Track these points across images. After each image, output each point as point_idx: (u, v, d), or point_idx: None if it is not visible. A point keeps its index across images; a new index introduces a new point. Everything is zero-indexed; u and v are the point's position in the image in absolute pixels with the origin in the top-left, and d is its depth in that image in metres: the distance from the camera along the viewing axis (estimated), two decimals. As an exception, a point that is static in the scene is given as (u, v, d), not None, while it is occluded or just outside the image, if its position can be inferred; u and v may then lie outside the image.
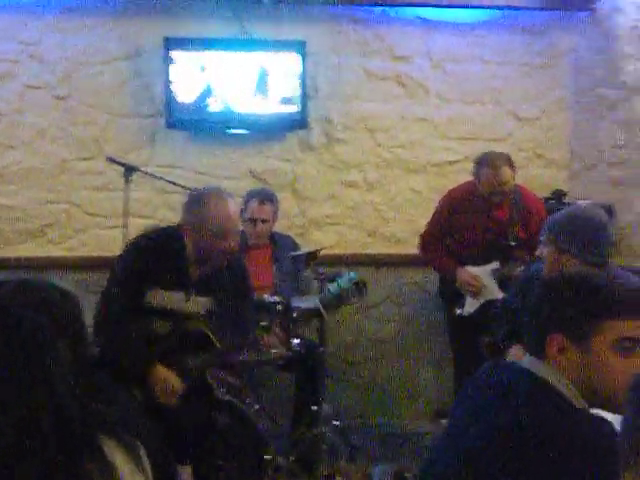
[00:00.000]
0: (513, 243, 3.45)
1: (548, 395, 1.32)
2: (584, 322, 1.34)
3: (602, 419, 1.27)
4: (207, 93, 3.91)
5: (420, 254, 3.81)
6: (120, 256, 2.75)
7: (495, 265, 3.47)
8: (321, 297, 2.77)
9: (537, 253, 2.50)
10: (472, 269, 3.52)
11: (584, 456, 1.19)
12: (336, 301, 2.67)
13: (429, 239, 3.72)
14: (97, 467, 0.95)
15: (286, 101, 3.96)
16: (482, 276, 3.48)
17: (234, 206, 2.67)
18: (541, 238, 2.46)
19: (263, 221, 3.55)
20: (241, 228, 2.69)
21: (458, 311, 3.57)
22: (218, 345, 2.63)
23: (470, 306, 3.52)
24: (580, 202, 3.74)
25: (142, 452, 1.03)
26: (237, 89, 3.92)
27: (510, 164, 3.40)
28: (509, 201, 3.48)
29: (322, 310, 2.66)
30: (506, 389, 1.35)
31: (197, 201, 2.63)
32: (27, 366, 0.96)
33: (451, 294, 3.64)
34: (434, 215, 3.72)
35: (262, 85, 3.94)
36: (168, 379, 2.55)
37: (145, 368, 2.54)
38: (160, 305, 2.62)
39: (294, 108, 3.96)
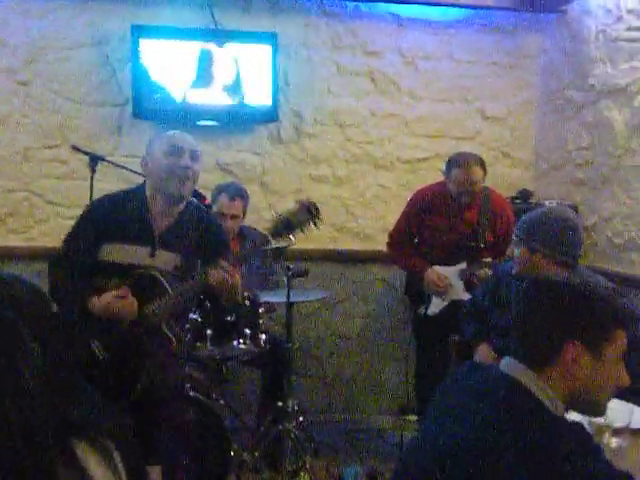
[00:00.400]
0: (482, 245, 3.47)
1: (529, 404, 1.34)
2: (601, 331, 1.39)
3: (582, 426, 1.31)
4: (175, 83, 3.84)
5: (388, 252, 3.82)
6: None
7: (463, 266, 3.49)
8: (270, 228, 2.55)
9: (507, 252, 2.52)
10: (440, 269, 3.53)
11: (561, 462, 1.20)
12: (285, 226, 2.48)
13: (397, 238, 3.72)
14: (69, 471, 0.92)
15: (256, 93, 3.92)
16: (449, 276, 3.50)
17: (180, 132, 2.66)
18: (513, 238, 2.48)
19: (232, 217, 3.50)
20: (191, 148, 2.57)
21: (423, 310, 3.58)
22: (170, 290, 2.51)
23: (435, 306, 3.54)
24: (548, 202, 3.79)
25: (115, 454, 1.00)
26: (206, 80, 3.87)
27: (481, 165, 3.43)
28: (478, 203, 3.50)
29: (271, 239, 2.49)
30: (488, 396, 1.35)
31: (153, 138, 2.67)
32: None
33: (417, 293, 3.65)
34: (403, 214, 3.73)
35: (232, 77, 3.89)
36: (106, 297, 2.45)
37: (86, 301, 2.45)
38: (121, 260, 2.54)
39: (264, 101, 3.93)
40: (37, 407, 0.94)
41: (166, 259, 2.59)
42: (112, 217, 2.55)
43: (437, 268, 3.54)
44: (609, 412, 1.68)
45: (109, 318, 2.45)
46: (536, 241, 2.35)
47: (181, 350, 2.71)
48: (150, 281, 2.52)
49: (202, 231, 2.67)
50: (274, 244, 2.55)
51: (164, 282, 2.51)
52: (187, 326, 3.02)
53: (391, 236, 3.77)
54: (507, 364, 1.44)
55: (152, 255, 2.57)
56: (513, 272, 2.45)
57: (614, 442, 1.69)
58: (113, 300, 2.44)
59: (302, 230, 2.50)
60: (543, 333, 1.42)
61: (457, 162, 3.43)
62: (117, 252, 2.55)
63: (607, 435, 1.69)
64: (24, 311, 1.06)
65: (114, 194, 2.67)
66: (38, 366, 1.00)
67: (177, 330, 2.60)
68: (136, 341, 2.49)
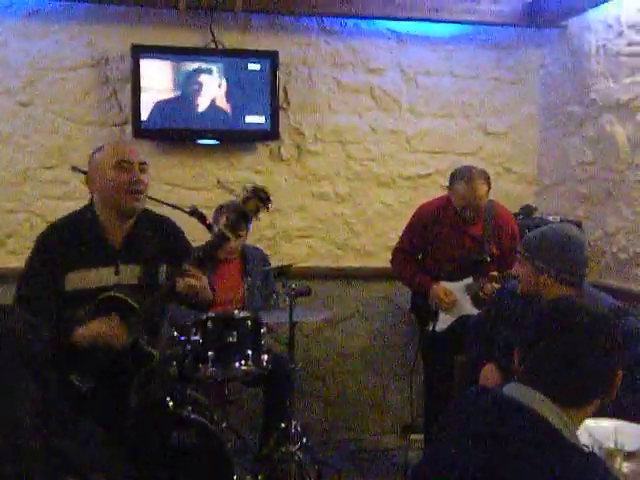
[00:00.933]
0: (488, 258, 3.44)
1: (558, 443, 1.33)
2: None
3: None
4: (175, 102, 3.83)
5: (392, 268, 3.78)
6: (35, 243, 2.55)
7: (469, 281, 3.46)
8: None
9: (512, 272, 2.48)
10: (445, 284, 3.50)
11: None
12: (240, 217, 2.45)
13: (401, 254, 3.69)
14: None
15: (257, 112, 3.91)
16: (455, 292, 3.46)
17: (122, 142, 2.64)
18: (517, 256, 2.44)
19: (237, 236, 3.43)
20: (139, 161, 2.51)
21: (431, 327, 3.54)
22: (136, 306, 2.44)
23: (443, 322, 3.49)
24: (551, 218, 3.77)
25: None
26: (207, 99, 3.86)
27: (486, 179, 3.40)
28: (482, 216, 3.47)
29: (228, 234, 2.42)
30: (518, 435, 1.32)
31: (96, 151, 2.56)
32: None
33: (424, 309, 3.60)
34: (407, 229, 3.70)
35: (232, 95, 3.89)
36: (97, 328, 2.38)
37: (66, 340, 2.37)
38: (87, 286, 2.47)
39: (265, 119, 3.92)
40: (29, 444, 0.91)
41: (129, 274, 2.53)
42: (68, 245, 2.47)
43: (443, 284, 3.50)
44: (620, 437, 1.65)
45: (97, 347, 2.38)
46: (541, 261, 2.31)
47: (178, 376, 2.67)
48: (115, 302, 2.44)
49: (160, 236, 2.61)
50: (232, 238, 2.48)
51: (129, 300, 2.45)
52: (188, 347, 3.00)
53: (394, 252, 3.73)
54: (533, 399, 1.39)
55: (117, 273, 2.51)
56: (518, 291, 2.41)
57: (626, 467, 1.65)
58: (104, 329, 2.38)
59: (256, 217, 2.47)
60: (594, 381, 1.42)
61: (461, 176, 3.40)
62: (82, 279, 2.47)
63: (619, 460, 1.65)
64: (17, 343, 1.04)
65: (61, 221, 2.57)
66: (32, 401, 0.97)
67: (156, 344, 2.55)
68: (117, 365, 2.42)
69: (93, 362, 2.40)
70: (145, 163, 2.54)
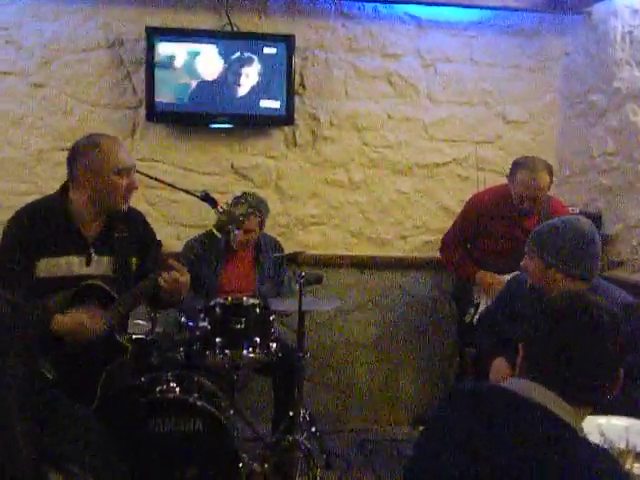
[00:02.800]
0: None
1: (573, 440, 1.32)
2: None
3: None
4: (190, 86, 3.79)
5: (440, 255, 3.75)
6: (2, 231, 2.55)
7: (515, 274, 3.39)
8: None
9: (521, 265, 2.41)
10: (492, 274, 3.44)
11: None
12: (229, 220, 2.64)
13: (451, 242, 3.65)
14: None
15: (272, 96, 3.85)
16: (502, 281, 3.39)
17: (119, 141, 2.61)
18: (526, 249, 2.38)
19: (247, 231, 3.41)
20: (134, 164, 2.55)
21: (468, 318, 3.48)
22: (116, 296, 2.48)
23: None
24: (571, 209, 3.68)
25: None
26: (221, 83, 3.81)
27: (549, 172, 3.32)
28: (539, 210, 3.38)
29: (216, 232, 2.64)
30: (525, 432, 1.29)
31: (86, 145, 2.50)
32: None
33: (465, 300, 3.56)
34: (458, 218, 3.66)
35: (247, 79, 3.83)
36: (76, 318, 2.39)
37: (45, 327, 2.36)
38: (58, 274, 2.46)
39: (280, 104, 3.86)
40: (13, 437, 0.88)
41: (101, 265, 2.53)
42: (39, 231, 2.45)
43: (489, 273, 3.45)
44: (631, 436, 1.59)
45: (73, 337, 2.38)
46: (550, 255, 2.25)
47: (185, 363, 2.67)
48: (95, 291, 2.46)
49: (130, 228, 2.62)
50: (219, 236, 2.68)
51: (110, 291, 2.47)
52: (196, 333, 2.97)
53: (444, 240, 3.70)
54: (542, 394, 1.36)
55: (88, 263, 2.51)
56: (527, 285, 2.35)
57: (637, 468, 1.59)
58: (86, 319, 2.38)
59: (244, 222, 2.69)
60: (599, 378, 1.39)
61: (525, 165, 3.32)
62: (52, 266, 2.45)
63: (630, 460, 1.60)
64: (5, 327, 1.01)
65: (30, 207, 2.54)
66: (17, 387, 0.94)
67: (128, 337, 2.55)
68: (88, 355, 2.41)
69: (63, 350, 2.39)
70: (135, 164, 2.57)
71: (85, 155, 2.47)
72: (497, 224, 3.46)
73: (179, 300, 2.61)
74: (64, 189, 2.55)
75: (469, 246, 3.62)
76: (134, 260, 2.60)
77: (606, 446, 1.60)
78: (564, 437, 1.28)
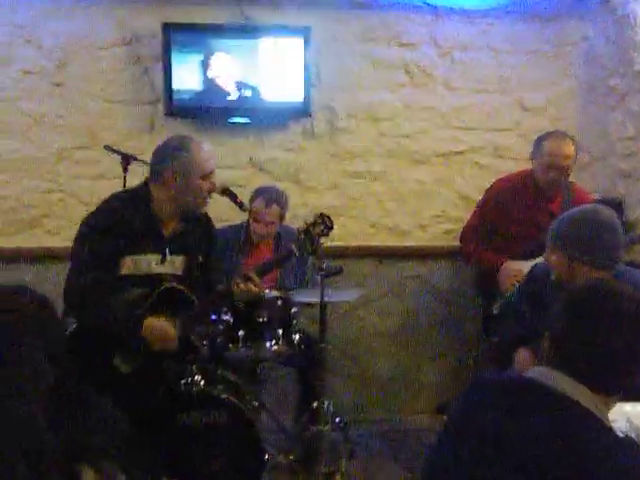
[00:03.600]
0: None
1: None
2: None
3: None
4: (207, 80, 3.80)
5: (461, 247, 3.72)
6: (86, 225, 2.58)
7: (539, 260, 3.37)
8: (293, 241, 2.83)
9: (544, 259, 2.40)
10: (515, 263, 3.38)
11: None
12: (305, 238, 2.75)
13: (472, 233, 3.62)
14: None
15: (288, 89, 3.85)
16: (525, 271, 3.37)
17: (208, 146, 2.69)
18: (547, 243, 2.36)
19: (267, 223, 3.44)
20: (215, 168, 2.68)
21: (495, 310, 3.46)
22: (196, 301, 2.60)
23: None
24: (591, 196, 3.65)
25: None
26: (238, 76, 3.82)
27: (574, 144, 3.31)
28: (562, 194, 3.36)
29: (294, 249, 2.75)
30: (562, 428, 1.30)
31: (177, 147, 2.58)
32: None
33: (489, 291, 3.52)
34: (478, 207, 3.63)
35: (264, 72, 3.84)
36: (160, 328, 2.51)
37: (137, 326, 2.48)
38: (136, 271, 2.55)
39: (297, 96, 3.86)
40: (42, 430, 0.90)
41: (175, 263, 2.63)
42: (125, 229, 2.52)
43: (512, 263, 3.39)
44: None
45: (152, 341, 2.49)
46: (573, 248, 2.24)
47: (209, 356, 2.72)
48: (175, 294, 2.57)
49: (201, 230, 2.74)
50: (297, 254, 2.78)
51: (190, 295, 2.58)
52: (219, 327, 3.00)
53: (464, 230, 3.68)
54: (567, 384, 1.36)
55: (162, 261, 2.59)
56: (552, 278, 2.34)
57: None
58: (168, 332, 2.50)
59: (319, 240, 2.77)
60: (626, 367, 1.39)
61: (551, 134, 3.35)
62: (131, 264, 2.54)
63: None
64: (30, 324, 1.02)
65: (114, 205, 2.59)
66: (46, 386, 0.96)
67: (204, 337, 2.63)
68: (160, 354, 2.52)
69: (139, 348, 2.51)
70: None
71: (174, 158, 2.55)
72: (519, 209, 3.43)
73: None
74: (145, 185, 2.63)
75: (491, 235, 3.56)
76: (200, 259, 2.72)
77: (633, 433, 1.60)
78: (589, 427, 1.29)
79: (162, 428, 2.60)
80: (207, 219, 2.84)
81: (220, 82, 3.81)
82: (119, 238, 2.51)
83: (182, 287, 2.58)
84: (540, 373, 1.42)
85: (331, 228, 2.75)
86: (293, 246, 2.73)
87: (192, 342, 2.63)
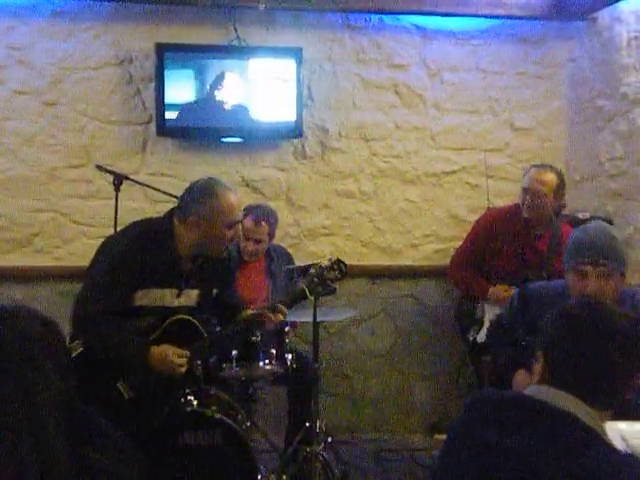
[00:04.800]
0: (545, 275, 3.30)
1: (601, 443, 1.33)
2: None
3: None
4: (199, 101, 3.83)
5: (449, 275, 3.76)
6: (104, 251, 2.60)
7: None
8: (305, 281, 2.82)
9: (594, 292, 2.18)
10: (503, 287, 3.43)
11: None
12: (318, 281, 2.75)
13: (461, 262, 3.64)
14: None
15: (281, 109, 3.88)
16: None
17: (236, 195, 2.69)
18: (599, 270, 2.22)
19: (257, 241, 3.46)
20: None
21: (471, 336, 3.48)
22: (205, 334, 2.62)
23: (485, 332, 3.41)
24: (581, 215, 3.69)
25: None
26: (230, 97, 3.84)
27: (558, 175, 3.36)
28: (550, 232, 3.40)
29: (307, 291, 2.74)
30: (561, 444, 1.30)
31: (206, 192, 2.57)
32: (10, 409, 0.88)
33: (468, 317, 3.56)
34: (470, 235, 3.66)
35: (256, 93, 3.87)
36: (167, 351, 2.51)
37: (143, 355, 2.49)
38: (150, 303, 2.56)
39: (288, 116, 3.89)
40: (53, 447, 0.90)
41: (189, 297, 2.65)
42: (144, 262, 2.51)
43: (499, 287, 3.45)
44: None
45: (158, 369, 2.50)
46: (624, 264, 2.21)
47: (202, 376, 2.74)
48: (185, 324, 2.60)
49: (217, 264, 2.76)
50: (311, 297, 2.77)
51: (200, 327, 2.61)
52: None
53: (454, 257, 3.71)
54: (565, 400, 1.37)
55: (179, 295, 2.62)
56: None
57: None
58: (173, 356, 2.51)
59: (330, 286, 2.80)
60: (620, 382, 1.41)
61: (535, 165, 3.43)
62: (148, 296, 2.55)
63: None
64: (34, 344, 1.02)
65: (139, 234, 2.58)
66: (56, 405, 0.96)
67: (202, 368, 2.66)
68: (163, 381, 2.54)
69: (144, 375, 2.52)
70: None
71: (202, 203, 2.54)
72: (507, 243, 3.46)
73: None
74: (170, 220, 2.62)
75: (478, 266, 3.58)
76: (214, 291, 2.75)
77: (628, 451, 1.61)
78: (591, 443, 1.29)
79: (158, 449, 2.57)
80: (225, 254, 2.85)
81: (212, 102, 3.84)
82: (138, 270, 2.50)
83: (194, 319, 2.60)
84: (536, 390, 1.43)
85: (345, 274, 2.77)
86: (305, 288, 2.75)
87: (192, 371, 2.62)
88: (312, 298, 2.77)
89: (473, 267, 3.60)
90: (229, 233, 2.59)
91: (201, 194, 2.56)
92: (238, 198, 2.68)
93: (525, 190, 3.37)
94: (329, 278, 2.73)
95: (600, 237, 2.23)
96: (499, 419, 1.37)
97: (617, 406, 1.44)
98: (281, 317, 2.68)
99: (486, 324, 3.43)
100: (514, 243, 3.45)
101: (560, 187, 3.37)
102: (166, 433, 2.62)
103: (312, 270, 2.74)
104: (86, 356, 2.54)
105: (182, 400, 2.72)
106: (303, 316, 3.31)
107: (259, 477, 2.80)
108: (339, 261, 2.75)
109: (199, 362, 2.61)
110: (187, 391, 2.75)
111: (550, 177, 3.34)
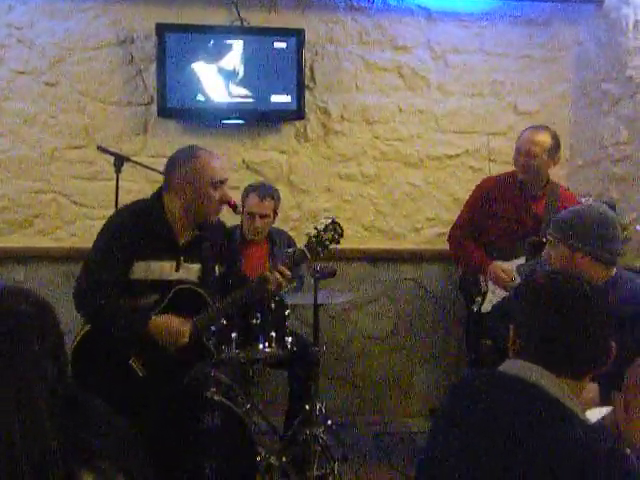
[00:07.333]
0: (544, 240, 3.32)
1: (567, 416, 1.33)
2: None
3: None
4: (201, 82, 3.79)
5: (449, 249, 3.71)
6: (102, 230, 2.62)
7: (521, 261, 3.37)
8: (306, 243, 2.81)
9: (543, 255, 2.41)
10: (501, 264, 3.40)
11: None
12: (316, 242, 2.74)
13: (459, 231, 3.62)
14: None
15: (283, 91, 3.85)
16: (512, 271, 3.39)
17: (219, 158, 2.68)
18: (548, 238, 2.37)
19: (262, 216, 3.45)
20: (227, 177, 2.67)
21: (476, 307, 3.48)
22: (210, 302, 2.62)
23: (489, 303, 3.42)
24: (584, 199, 3.66)
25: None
26: (232, 78, 3.81)
27: (552, 135, 3.35)
28: (546, 195, 3.39)
29: (305, 251, 2.74)
30: (527, 418, 1.30)
31: (186, 155, 2.59)
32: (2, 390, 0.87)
33: (472, 289, 3.54)
34: (466, 205, 3.63)
35: (258, 74, 3.83)
36: (170, 322, 2.52)
37: (143, 327, 2.49)
38: (150, 277, 2.56)
39: (291, 98, 3.86)
40: (46, 430, 0.89)
41: (189, 271, 2.64)
42: (138, 236, 2.53)
43: (498, 263, 3.41)
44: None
45: (161, 340, 2.50)
46: (576, 239, 2.24)
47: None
48: (190, 295, 2.59)
49: (216, 238, 2.74)
50: (309, 256, 2.75)
51: (205, 296, 2.59)
52: (212, 329, 2.99)
53: (452, 230, 3.67)
54: (534, 373, 1.38)
55: (177, 269, 2.61)
56: None
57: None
58: (176, 323, 2.51)
59: (328, 248, 2.75)
60: (589, 351, 1.40)
61: (530, 127, 3.42)
62: (145, 270, 2.55)
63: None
64: (32, 325, 1.02)
65: (130, 210, 2.62)
66: (48, 387, 0.95)
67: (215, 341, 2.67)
68: (176, 356, 2.54)
69: (155, 351, 2.51)
70: (227, 177, 2.68)
71: (183, 166, 2.56)
72: (504, 207, 3.44)
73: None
74: (159, 195, 2.63)
75: (476, 233, 3.56)
76: (217, 268, 2.72)
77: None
78: (558, 416, 1.30)
79: (160, 430, 2.58)
80: (224, 229, 2.86)
81: (214, 83, 3.81)
82: (133, 243, 2.51)
83: (196, 288, 2.60)
84: (509, 365, 1.44)
85: (341, 236, 2.77)
86: (305, 248, 2.73)
87: (205, 344, 2.65)
88: (311, 257, 2.78)
89: (471, 239, 3.57)
90: (215, 194, 2.56)
91: (182, 158, 2.58)
92: (221, 160, 2.67)
93: (518, 150, 3.37)
94: (326, 239, 2.74)
95: (568, 214, 2.34)
96: (473, 398, 1.39)
97: (603, 377, 1.43)
98: (280, 276, 2.65)
99: (489, 294, 3.43)
100: (511, 207, 3.43)
101: (554, 148, 3.36)
102: (164, 414, 2.63)
103: (310, 232, 2.76)
104: (97, 332, 2.55)
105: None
106: (304, 299, 3.31)
107: (258, 459, 2.81)
108: (334, 222, 2.76)
109: (210, 336, 2.66)
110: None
111: (543, 137, 3.34)
